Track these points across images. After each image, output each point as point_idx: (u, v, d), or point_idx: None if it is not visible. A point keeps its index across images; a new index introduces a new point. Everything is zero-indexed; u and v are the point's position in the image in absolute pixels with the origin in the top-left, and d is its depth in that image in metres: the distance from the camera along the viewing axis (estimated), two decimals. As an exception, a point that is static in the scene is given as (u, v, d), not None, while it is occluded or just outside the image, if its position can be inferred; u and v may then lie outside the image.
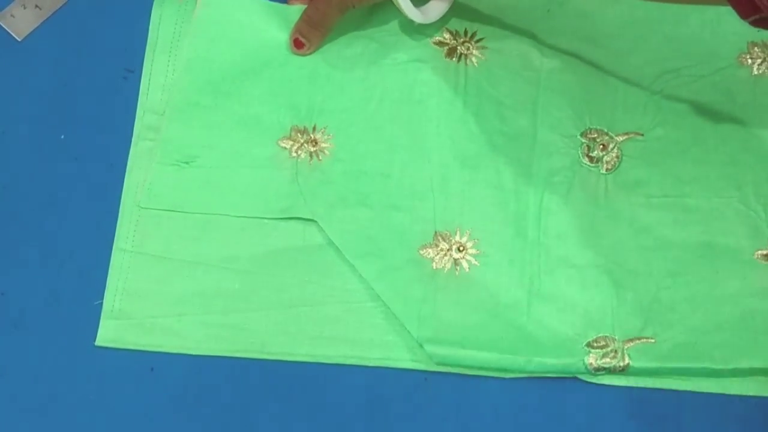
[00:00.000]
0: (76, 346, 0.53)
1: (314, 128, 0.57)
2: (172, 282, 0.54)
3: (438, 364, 0.52)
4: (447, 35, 0.59)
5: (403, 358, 0.52)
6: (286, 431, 0.51)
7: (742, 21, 0.47)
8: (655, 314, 0.52)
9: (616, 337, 0.52)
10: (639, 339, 0.52)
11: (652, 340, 0.51)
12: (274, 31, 0.59)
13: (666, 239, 0.54)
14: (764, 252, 0.53)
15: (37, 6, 0.61)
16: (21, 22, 0.61)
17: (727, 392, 0.51)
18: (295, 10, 0.59)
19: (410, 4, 0.55)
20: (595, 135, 0.57)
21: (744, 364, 0.51)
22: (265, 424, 0.51)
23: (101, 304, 0.53)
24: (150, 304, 0.53)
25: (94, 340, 0.53)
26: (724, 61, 0.58)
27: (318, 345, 0.52)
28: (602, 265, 0.53)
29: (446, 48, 0.59)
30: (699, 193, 0.55)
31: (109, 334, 0.53)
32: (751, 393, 0.51)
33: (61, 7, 0.61)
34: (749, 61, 0.58)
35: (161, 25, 0.60)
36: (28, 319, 0.54)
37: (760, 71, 0.58)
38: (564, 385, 0.52)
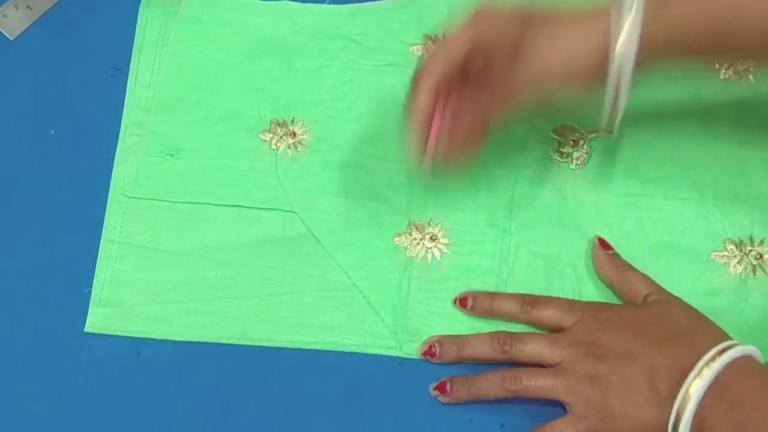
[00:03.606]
0: (66, 332, 0.53)
1: (293, 120, 0.59)
2: (157, 271, 0.55)
3: (412, 354, 0.53)
4: (428, 41, 0.60)
5: (378, 345, 0.53)
6: (266, 414, 0.51)
7: None
8: None
9: None
10: None
11: None
12: (254, 27, 0.61)
13: (627, 237, 0.54)
14: (719, 253, 0.54)
15: (28, 6, 0.62)
16: (13, 22, 0.61)
17: None
18: (274, 5, 0.60)
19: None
20: (567, 131, 0.57)
21: None
22: (245, 406, 0.52)
23: (90, 292, 0.54)
24: (137, 292, 0.54)
25: (83, 327, 0.53)
26: None
27: (297, 331, 0.53)
28: (566, 259, 0.54)
29: (423, 53, 0.60)
30: (661, 193, 0.55)
31: (97, 321, 0.54)
32: None
33: (51, 7, 0.62)
34: (716, 65, 0.58)
35: (147, 25, 0.61)
36: (19, 306, 0.54)
37: (727, 75, 0.58)
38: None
